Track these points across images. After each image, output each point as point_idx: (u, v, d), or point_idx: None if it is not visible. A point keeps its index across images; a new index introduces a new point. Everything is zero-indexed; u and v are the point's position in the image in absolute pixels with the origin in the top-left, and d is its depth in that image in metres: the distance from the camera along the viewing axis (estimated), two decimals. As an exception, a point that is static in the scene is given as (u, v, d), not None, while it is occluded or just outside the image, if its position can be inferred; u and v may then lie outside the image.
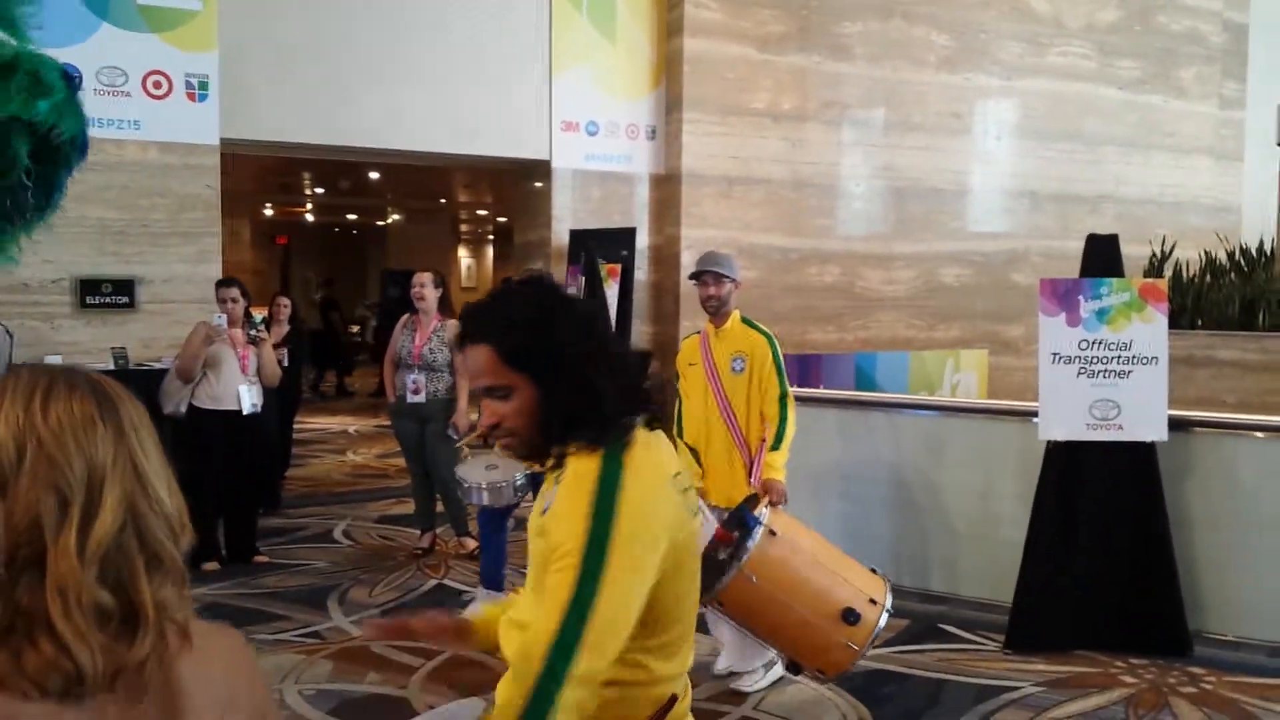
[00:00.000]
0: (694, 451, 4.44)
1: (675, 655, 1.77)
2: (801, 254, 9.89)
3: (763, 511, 3.80)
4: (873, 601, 3.67)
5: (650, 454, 1.74)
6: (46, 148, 2.34)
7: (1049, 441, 5.04)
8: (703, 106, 9.38)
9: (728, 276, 4.38)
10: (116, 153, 7.34)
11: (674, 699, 1.75)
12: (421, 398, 6.26)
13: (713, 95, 9.42)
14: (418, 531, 6.70)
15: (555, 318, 1.75)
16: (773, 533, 3.71)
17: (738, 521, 3.80)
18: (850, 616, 3.57)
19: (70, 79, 2.42)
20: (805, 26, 9.83)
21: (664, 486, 1.72)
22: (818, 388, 8.54)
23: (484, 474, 4.80)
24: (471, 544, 6.43)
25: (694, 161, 9.36)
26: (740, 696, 4.32)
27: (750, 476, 4.28)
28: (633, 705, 1.72)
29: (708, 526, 3.93)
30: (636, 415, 1.77)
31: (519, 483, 4.80)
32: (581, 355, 1.73)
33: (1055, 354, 5.03)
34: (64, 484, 1.04)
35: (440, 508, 6.71)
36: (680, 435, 4.49)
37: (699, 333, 4.62)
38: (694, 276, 4.46)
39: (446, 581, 5.99)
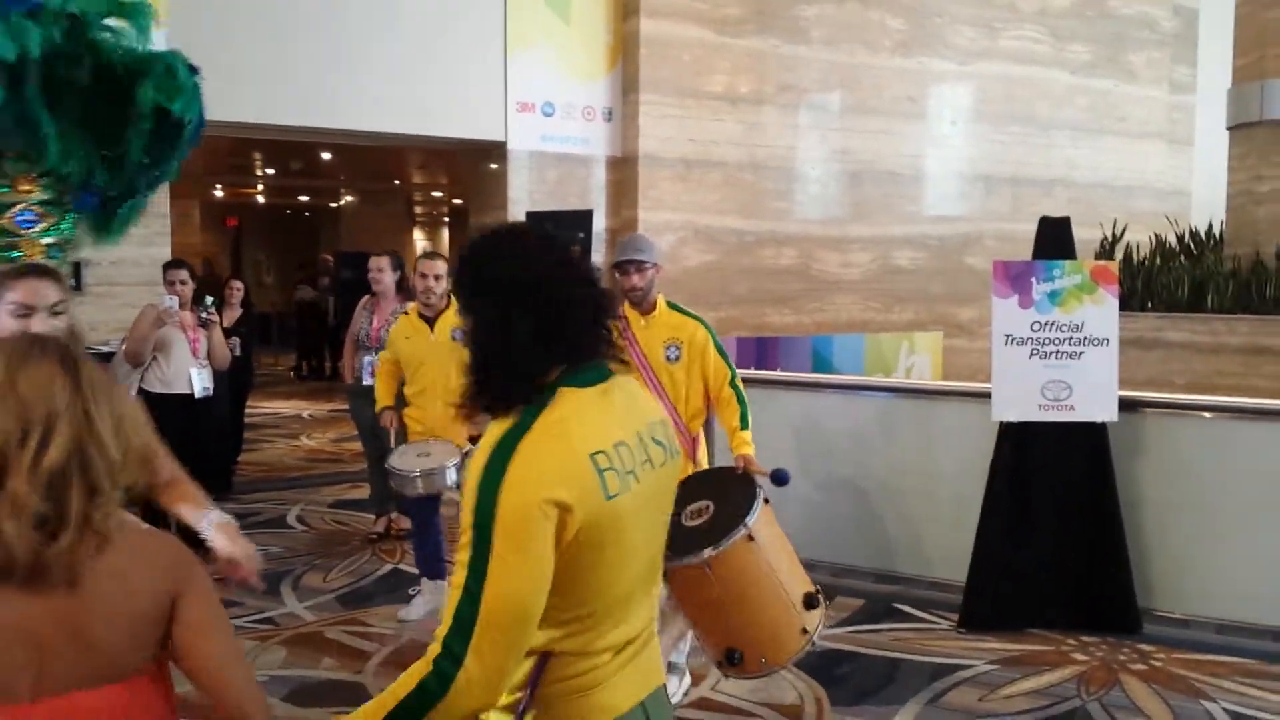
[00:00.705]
0: None
1: (587, 632, 1.65)
2: (758, 237, 9.91)
3: (764, 483, 3.72)
4: (819, 589, 3.58)
5: (565, 422, 1.61)
6: (166, 129, 2.58)
7: (1002, 422, 5.09)
8: (660, 88, 9.35)
9: (649, 263, 4.09)
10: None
11: (538, 673, 1.64)
12: None
13: (670, 77, 9.39)
14: (373, 516, 6.64)
15: (493, 257, 1.68)
16: (767, 500, 3.61)
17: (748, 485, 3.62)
18: (811, 601, 3.51)
19: (194, 70, 2.65)
20: (762, 9, 9.82)
21: (571, 455, 1.58)
22: (774, 370, 8.58)
23: (417, 461, 4.66)
24: (407, 523, 6.39)
25: (651, 144, 9.33)
26: (698, 679, 4.33)
27: (692, 458, 4.14)
28: (522, 672, 1.66)
29: None
30: (568, 366, 1.65)
31: (454, 464, 4.60)
32: (505, 298, 1.63)
33: (1008, 335, 5.07)
34: (25, 422, 1.39)
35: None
36: None
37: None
38: (616, 266, 4.13)
39: (401, 566, 5.95)
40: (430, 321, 5.00)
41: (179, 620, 1.50)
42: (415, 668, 1.55)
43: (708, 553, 3.27)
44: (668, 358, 4.10)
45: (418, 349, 5.00)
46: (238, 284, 8.16)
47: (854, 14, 10.35)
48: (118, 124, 2.54)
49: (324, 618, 5.11)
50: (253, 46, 7.85)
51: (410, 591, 5.31)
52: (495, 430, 1.61)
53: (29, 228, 2.48)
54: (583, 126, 9.39)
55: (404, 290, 6.40)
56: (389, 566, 5.95)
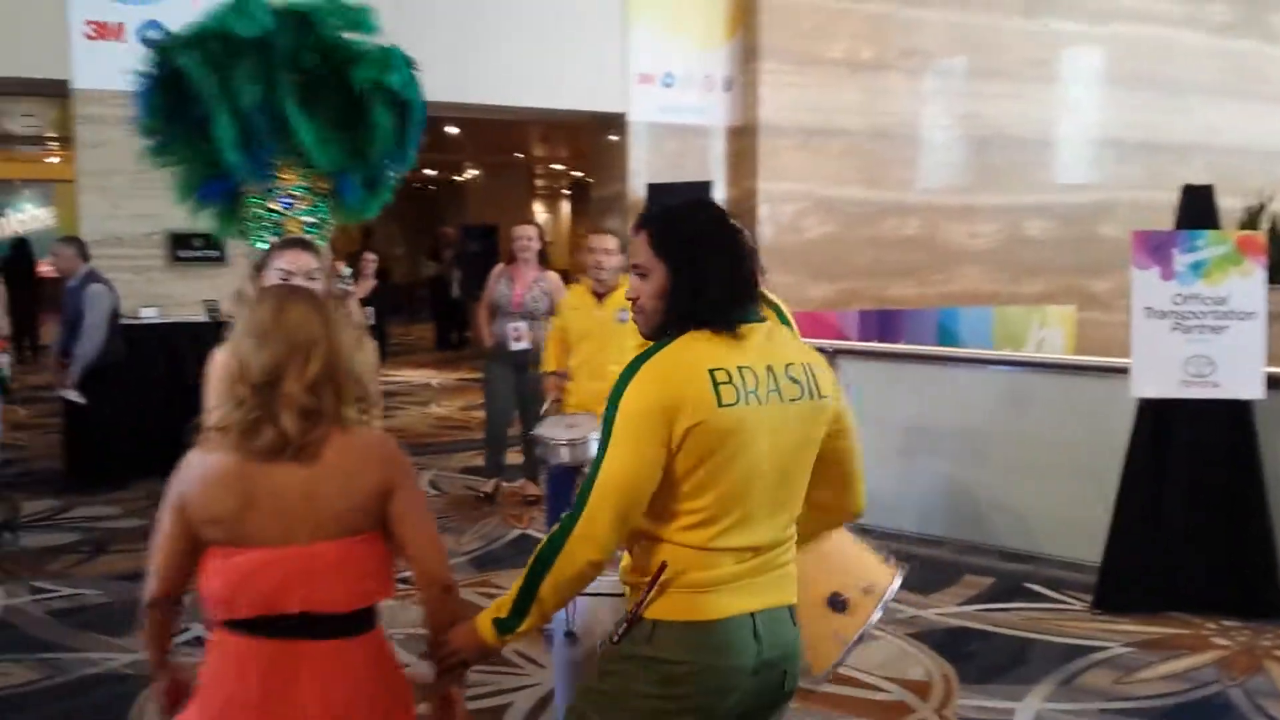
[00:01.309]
0: None
1: (706, 528, 1.89)
2: (881, 206, 9.75)
3: None
4: (867, 591, 3.37)
5: (696, 344, 1.91)
6: (399, 118, 3.06)
7: (1141, 399, 4.93)
8: (780, 56, 9.25)
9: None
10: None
11: (663, 566, 1.89)
12: (525, 344, 6.39)
13: (790, 44, 9.28)
14: (484, 478, 6.85)
15: (701, 228, 1.98)
16: None
17: None
18: (836, 603, 3.27)
19: (412, 62, 3.08)
20: (887, -28, 9.62)
21: (690, 370, 1.87)
22: (899, 343, 8.47)
23: (565, 431, 4.79)
24: (533, 490, 6.58)
25: (771, 113, 9.25)
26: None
27: None
28: (646, 556, 1.93)
29: None
30: (733, 312, 1.94)
31: (596, 437, 4.74)
32: (705, 260, 1.94)
33: (1148, 308, 4.90)
34: (293, 345, 1.93)
35: (514, 459, 6.84)
36: None
37: None
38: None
39: (530, 531, 6.10)
40: (600, 297, 5.01)
41: (392, 505, 1.99)
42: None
43: None
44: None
45: (581, 322, 5.04)
46: (371, 256, 8.40)
47: (981, -26, 10.05)
48: (361, 120, 2.92)
49: (458, 579, 5.26)
50: (385, 26, 8.03)
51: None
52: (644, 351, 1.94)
53: (289, 208, 2.94)
54: (702, 96, 9.36)
55: (543, 260, 6.61)
56: (517, 531, 6.11)
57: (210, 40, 2.70)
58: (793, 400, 1.95)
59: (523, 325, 6.43)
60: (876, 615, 3.21)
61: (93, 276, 6.71)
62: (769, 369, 1.93)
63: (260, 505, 1.91)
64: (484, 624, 1.96)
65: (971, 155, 10.25)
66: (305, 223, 2.94)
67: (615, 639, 1.92)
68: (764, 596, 1.95)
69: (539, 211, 22.09)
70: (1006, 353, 8.22)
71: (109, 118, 7.37)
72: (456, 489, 7.16)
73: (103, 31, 7.33)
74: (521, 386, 6.54)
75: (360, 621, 2.00)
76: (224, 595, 1.91)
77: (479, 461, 7.84)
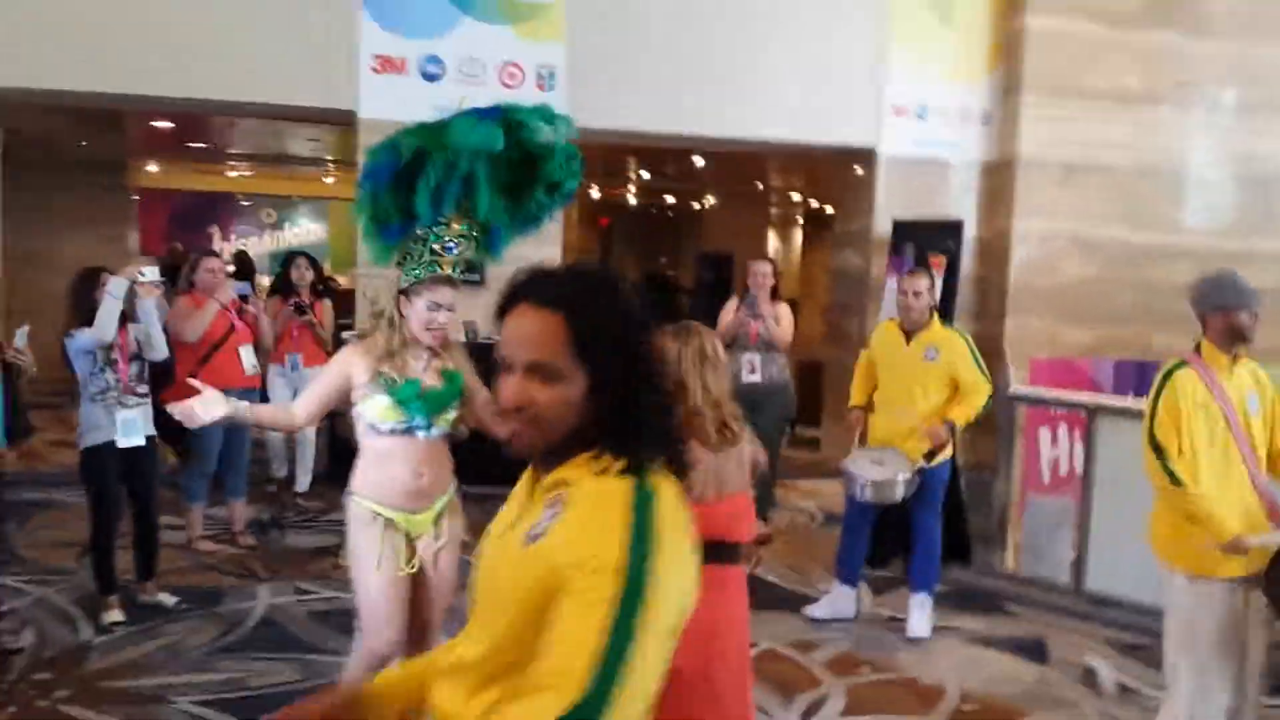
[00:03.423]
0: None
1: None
2: (1146, 249, 9.13)
3: None
4: None
5: (677, 493, 1.51)
6: (553, 195, 3.47)
7: None
8: (1043, 89, 8.84)
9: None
10: (470, 141, 7.88)
11: None
12: (757, 377, 6.41)
13: (1054, 77, 8.85)
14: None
15: (633, 318, 1.53)
16: None
17: None
18: None
19: (582, 161, 3.46)
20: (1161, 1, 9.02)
21: (690, 537, 1.49)
22: (1158, 396, 7.86)
23: (873, 469, 4.88)
24: (763, 527, 6.50)
25: (1031, 147, 8.84)
26: None
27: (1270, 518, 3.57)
28: None
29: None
30: (662, 450, 1.53)
31: (905, 478, 4.84)
32: (643, 368, 1.52)
33: None
34: (685, 371, 2.86)
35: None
36: (1178, 483, 3.55)
37: (1188, 367, 3.67)
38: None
39: (758, 573, 6.02)
40: (908, 335, 5.13)
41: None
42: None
43: None
44: (1250, 409, 3.57)
45: (890, 358, 5.19)
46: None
47: (1268, 3, 9.26)
48: (524, 190, 3.39)
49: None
50: (638, 59, 8.23)
51: (821, 588, 5.57)
52: (613, 483, 1.46)
53: (451, 253, 3.29)
54: (958, 130, 9.07)
55: (775, 294, 6.61)
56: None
57: (443, 137, 3.20)
58: None
59: (757, 358, 6.45)
60: None
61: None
62: None
63: (713, 477, 2.91)
64: None
65: (1250, 195, 9.45)
66: (455, 262, 3.30)
67: None
68: None
69: (772, 239, 22.04)
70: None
71: (385, 146, 7.90)
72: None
73: (387, 65, 7.85)
74: (757, 422, 6.50)
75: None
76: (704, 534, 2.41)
77: (709, 492, 7.87)
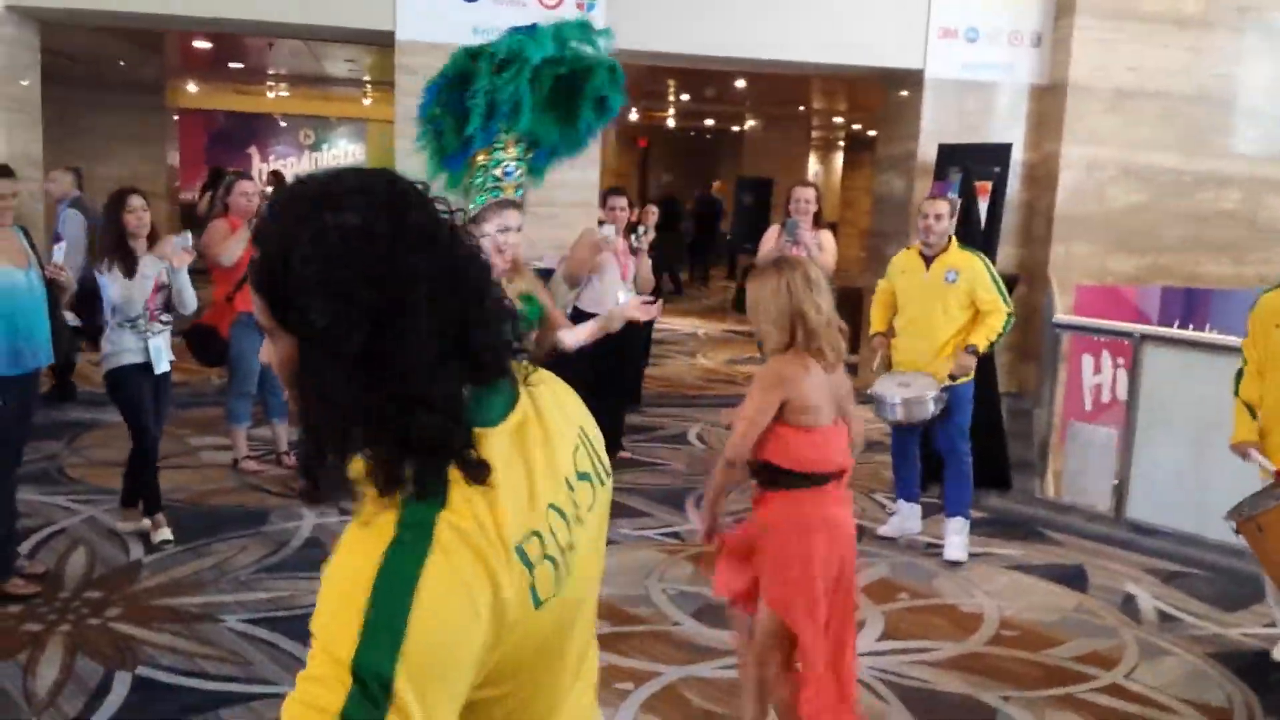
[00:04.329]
0: (1251, 409, 4.20)
1: None
2: (1197, 176, 8.92)
3: None
4: None
5: (483, 505, 1.06)
6: (598, 119, 3.51)
7: None
8: (1097, 10, 8.57)
9: None
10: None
11: None
12: None
13: (1109, -2, 8.58)
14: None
15: (343, 252, 1.03)
16: None
17: None
18: None
19: (624, 77, 3.51)
20: (1228, -83, 8.68)
21: (491, 570, 1.04)
22: (1203, 328, 7.75)
23: (900, 390, 4.97)
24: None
25: (1083, 71, 8.60)
26: (1111, 663, 4.10)
27: None
28: None
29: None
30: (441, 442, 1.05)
31: (934, 395, 4.89)
32: (386, 321, 1.03)
33: None
34: (805, 298, 2.95)
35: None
36: (1237, 394, 4.26)
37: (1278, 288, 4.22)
38: None
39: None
40: (928, 260, 5.16)
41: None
42: None
43: None
44: None
45: (910, 285, 5.23)
46: (654, 209, 8.55)
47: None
48: (571, 108, 3.43)
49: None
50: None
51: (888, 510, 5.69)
52: (377, 518, 1.03)
53: (511, 176, 3.37)
54: (1007, 53, 8.83)
55: (817, 221, 6.53)
56: (784, 496, 6.09)
57: (500, 53, 3.26)
58: (591, 509, 1.25)
59: None
60: None
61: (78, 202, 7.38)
62: (568, 482, 1.20)
63: (826, 399, 2.95)
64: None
65: (1306, 124, 9.18)
66: (516, 185, 3.41)
67: None
68: None
69: (812, 163, 21.75)
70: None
71: (424, 67, 7.82)
72: (724, 446, 7.21)
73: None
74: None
75: None
76: (814, 458, 2.93)
77: (747, 418, 7.88)
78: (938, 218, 5.10)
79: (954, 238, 5.21)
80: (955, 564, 5.08)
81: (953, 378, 5.02)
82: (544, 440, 1.18)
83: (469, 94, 3.24)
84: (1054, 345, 6.70)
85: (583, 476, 1.24)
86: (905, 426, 5.25)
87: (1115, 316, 7.63)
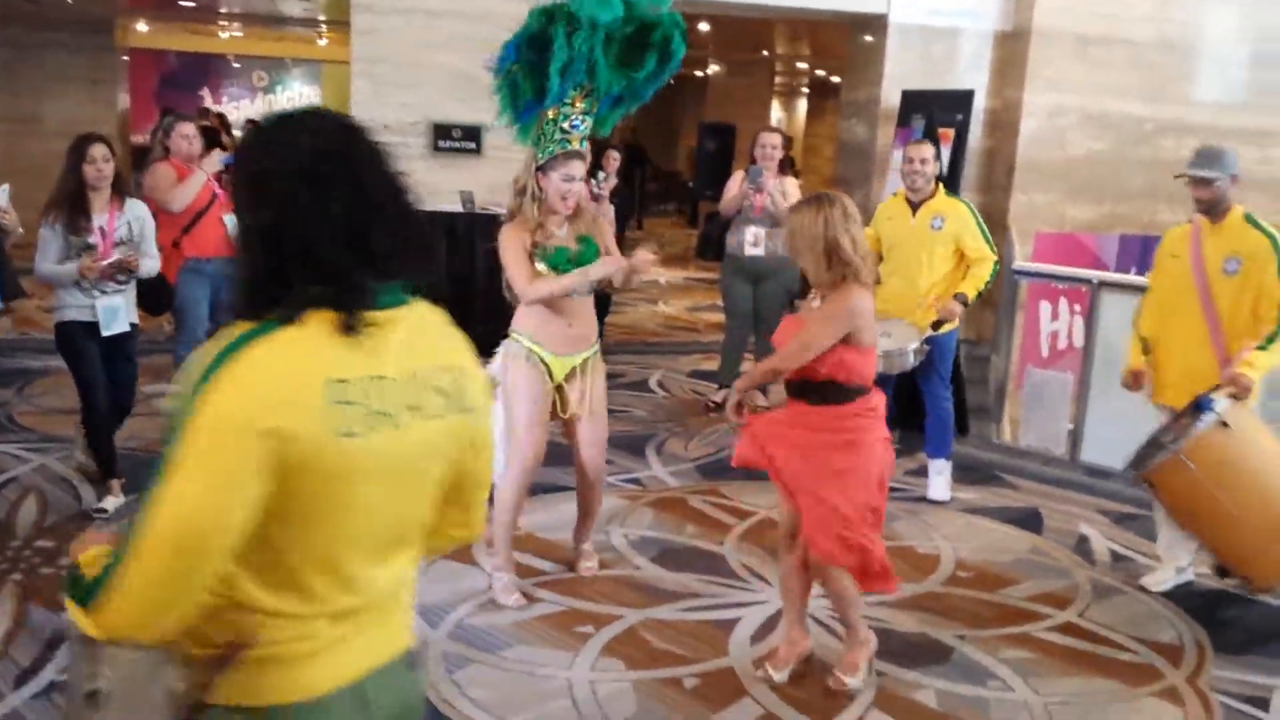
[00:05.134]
0: (1145, 343, 4.31)
1: (296, 590, 1.41)
2: (1159, 124, 8.95)
3: (1220, 402, 3.77)
4: None
5: (311, 339, 1.37)
6: (661, 64, 3.88)
7: None
8: (1063, -47, 8.51)
9: (1214, 179, 4.07)
10: (469, 1, 7.60)
11: (240, 646, 1.40)
12: (760, 250, 6.33)
13: (1076, -59, 8.52)
14: (715, 385, 6.85)
15: (299, 151, 1.42)
16: (1225, 424, 3.74)
17: (1193, 408, 3.83)
18: None
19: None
20: None
21: (300, 379, 1.35)
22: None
23: (882, 341, 4.95)
24: (763, 400, 6.57)
25: (1048, 17, 8.56)
26: (1064, 602, 4.17)
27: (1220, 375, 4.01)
28: (218, 624, 1.40)
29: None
30: (357, 289, 1.41)
31: (914, 348, 4.86)
32: (301, 198, 1.40)
33: None
34: (837, 231, 3.23)
35: (745, 367, 6.82)
36: (1135, 325, 4.39)
37: (1189, 222, 4.29)
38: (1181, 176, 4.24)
39: (758, 443, 6.09)
40: (914, 206, 5.14)
41: None
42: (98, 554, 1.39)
43: (1180, 442, 3.73)
44: (1225, 270, 4.06)
45: (896, 231, 5.20)
46: (615, 154, 8.46)
47: None
48: (637, 61, 3.80)
49: (686, 485, 5.36)
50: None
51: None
52: (226, 333, 1.38)
53: (577, 129, 3.73)
54: (972, -1, 8.76)
55: (783, 168, 6.50)
56: (745, 442, 6.11)
57: (571, 14, 3.62)
58: (435, 418, 1.48)
59: (761, 231, 6.35)
60: None
61: None
62: (414, 377, 1.46)
63: (871, 322, 3.26)
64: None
65: (1266, 72, 9.22)
66: (581, 137, 3.75)
67: None
68: (372, 654, 1.52)
69: (776, 109, 21.63)
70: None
71: (381, 6, 7.64)
72: (684, 393, 7.23)
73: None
74: (758, 295, 6.50)
75: None
76: (868, 374, 3.32)
77: (706, 365, 7.88)
78: (923, 162, 5.06)
79: (941, 184, 5.18)
80: (938, 502, 5.22)
81: (936, 325, 5.02)
82: (405, 337, 1.46)
83: (549, 57, 3.61)
84: (1012, 292, 6.74)
85: (440, 391, 1.49)
86: (882, 376, 5.23)
87: (1073, 264, 7.68)
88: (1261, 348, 3.92)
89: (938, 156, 5.29)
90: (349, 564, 1.44)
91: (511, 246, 3.77)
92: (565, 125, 3.68)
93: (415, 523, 1.55)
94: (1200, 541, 4.05)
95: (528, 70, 3.69)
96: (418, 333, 1.49)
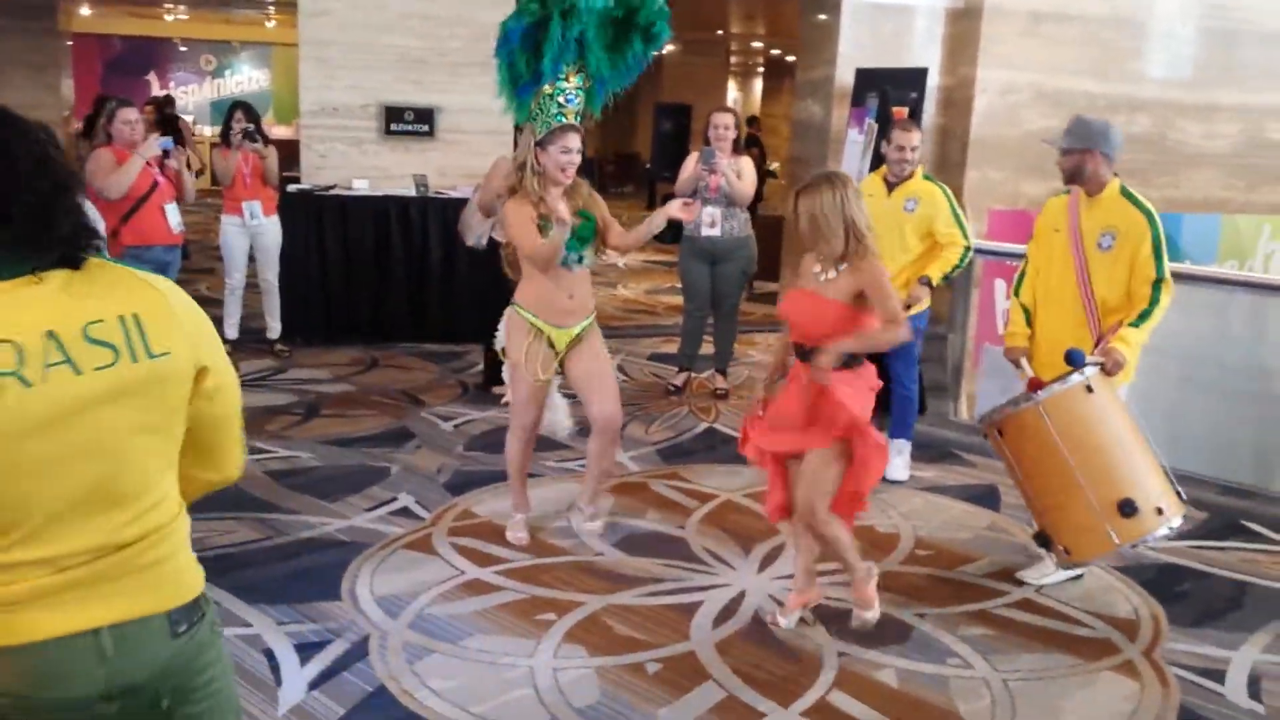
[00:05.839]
0: (1026, 312, 4.28)
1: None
2: (1110, 100, 9.01)
3: (1090, 368, 3.73)
4: (1159, 511, 3.55)
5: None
6: (646, 45, 4.12)
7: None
8: (1013, -69, 8.54)
9: (1072, 150, 4.02)
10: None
11: None
12: (717, 231, 6.31)
13: (1026, -83, 8.55)
14: (675, 368, 6.84)
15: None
16: (1089, 389, 3.70)
17: (1066, 360, 3.81)
18: (1127, 508, 3.61)
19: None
20: None
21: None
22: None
23: None
24: (722, 382, 6.59)
25: (1000, -5, 8.60)
26: (1022, 579, 4.20)
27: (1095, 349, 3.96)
28: None
29: None
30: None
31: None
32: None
33: None
34: (851, 210, 3.48)
35: (704, 349, 6.81)
36: (1017, 294, 4.36)
37: (1068, 193, 4.20)
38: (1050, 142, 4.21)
39: (717, 426, 6.09)
40: (891, 186, 5.15)
41: None
42: None
43: (1042, 395, 3.70)
44: (1100, 245, 4.01)
45: (871, 209, 5.08)
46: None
47: None
48: (623, 42, 4.06)
49: (647, 470, 5.35)
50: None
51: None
52: None
53: (572, 103, 3.99)
54: (924, -24, 8.77)
55: (737, 147, 6.48)
56: (705, 425, 6.11)
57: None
58: (100, 369, 1.52)
59: (717, 212, 6.33)
60: (1158, 534, 3.46)
61: None
62: (50, 335, 1.49)
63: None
64: None
65: (1214, 49, 9.33)
66: (575, 111, 4.00)
67: None
68: (117, 607, 1.55)
69: (731, 89, 21.60)
70: (1242, 274, 7.58)
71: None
72: (644, 376, 7.21)
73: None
74: (716, 276, 6.48)
75: None
76: None
77: (665, 348, 7.87)
78: (913, 149, 5.04)
79: (920, 167, 5.16)
80: (897, 482, 5.23)
81: (906, 308, 4.99)
82: (49, 296, 1.50)
83: (545, 40, 3.88)
84: (967, 269, 6.76)
85: (100, 343, 1.51)
86: None
87: (1027, 240, 7.72)
88: (1134, 324, 3.87)
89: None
90: (33, 518, 1.48)
91: (519, 219, 4.01)
92: (560, 100, 3.96)
93: (134, 476, 1.57)
94: (1031, 503, 3.91)
95: (524, 52, 3.98)
96: (65, 291, 1.52)
